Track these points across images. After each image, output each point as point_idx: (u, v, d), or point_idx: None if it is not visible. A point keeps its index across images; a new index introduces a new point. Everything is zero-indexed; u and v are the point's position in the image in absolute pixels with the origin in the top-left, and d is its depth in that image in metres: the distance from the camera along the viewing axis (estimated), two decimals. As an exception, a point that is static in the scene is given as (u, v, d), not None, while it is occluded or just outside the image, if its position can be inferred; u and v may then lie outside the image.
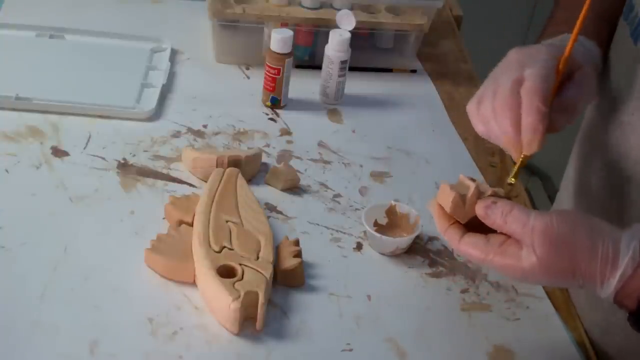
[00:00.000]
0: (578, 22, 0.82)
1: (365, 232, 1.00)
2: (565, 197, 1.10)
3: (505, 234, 0.78)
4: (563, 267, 0.74)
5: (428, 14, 1.30)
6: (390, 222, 1.00)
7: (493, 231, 0.78)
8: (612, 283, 0.74)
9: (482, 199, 0.79)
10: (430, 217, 1.02)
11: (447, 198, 0.80)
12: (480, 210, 0.79)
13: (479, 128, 0.86)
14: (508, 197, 0.81)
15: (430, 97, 1.29)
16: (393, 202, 1.00)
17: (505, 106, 0.81)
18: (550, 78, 0.82)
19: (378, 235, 0.97)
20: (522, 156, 0.83)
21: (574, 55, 0.85)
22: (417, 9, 1.30)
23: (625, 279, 0.73)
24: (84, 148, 1.08)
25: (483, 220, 0.79)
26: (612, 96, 0.97)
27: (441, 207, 0.81)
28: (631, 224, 0.77)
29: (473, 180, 0.80)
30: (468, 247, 0.79)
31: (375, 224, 0.99)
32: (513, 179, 0.84)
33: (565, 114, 0.83)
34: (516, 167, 0.84)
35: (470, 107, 0.87)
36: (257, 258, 0.90)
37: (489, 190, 0.80)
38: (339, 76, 1.21)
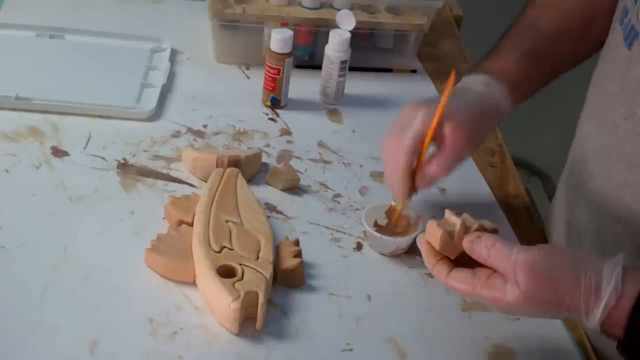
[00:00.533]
0: (444, 97, 0.89)
1: (365, 232, 1.00)
2: (562, 200, 1.10)
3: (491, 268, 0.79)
4: (547, 300, 0.76)
5: (428, 14, 1.30)
6: (390, 223, 1.00)
7: (482, 265, 0.80)
8: (597, 314, 0.74)
9: (469, 233, 0.81)
10: (431, 217, 1.02)
11: (435, 235, 0.81)
12: (466, 244, 0.80)
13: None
14: (495, 229, 0.83)
15: (430, 97, 1.29)
16: (393, 203, 0.99)
17: (389, 162, 0.93)
18: (418, 140, 0.90)
19: (378, 235, 0.97)
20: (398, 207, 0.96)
21: (457, 109, 0.92)
22: (417, 9, 1.30)
23: (610, 309, 0.74)
24: (84, 148, 1.08)
25: (470, 254, 0.80)
26: (605, 101, 0.97)
27: (429, 244, 0.83)
28: (620, 240, 0.78)
29: (459, 214, 0.83)
30: (455, 282, 0.80)
31: (375, 224, 0.99)
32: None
33: (439, 172, 0.91)
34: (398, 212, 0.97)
35: (383, 141, 0.95)
36: (257, 258, 0.90)
37: (475, 224, 0.82)
38: (339, 76, 1.21)
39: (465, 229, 0.81)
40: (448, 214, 0.83)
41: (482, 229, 0.82)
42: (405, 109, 0.93)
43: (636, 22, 0.90)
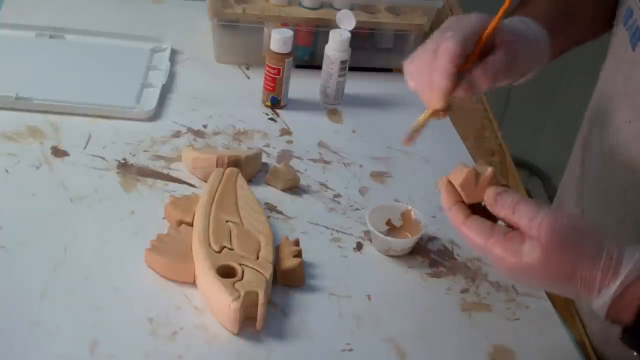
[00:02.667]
0: (500, 11, 0.83)
1: (365, 232, 1.00)
2: (565, 199, 1.10)
3: (509, 227, 0.76)
4: (563, 266, 0.74)
5: (428, 14, 1.30)
6: (394, 223, 1.00)
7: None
8: (611, 289, 0.73)
9: (494, 186, 0.78)
10: (431, 217, 1.02)
11: (459, 175, 0.78)
12: (490, 195, 0.77)
13: (409, 83, 0.88)
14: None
15: (430, 97, 1.29)
16: (409, 207, 1.00)
17: (423, 65, 0.84)
18: (468, 42, 0.82)
19: (382, 236, 0.97)
20: (429, 110, 0.86)
21: (508, 28, 0.85)
22: (417, 9, 1.30)
23: (625, 287, 0.72)
24: (84, 148, 1.08)
25: (490, 207, 0.77)
26: (609, 102, 0.97)
27: (451, 184, 0.79)
28: (633, 234, 0.77)
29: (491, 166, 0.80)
30: (470, 230, 0.77)
31: (389, 223, 0.99)
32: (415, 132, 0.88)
33: (485, 76, 0.83)
34: (421, 118, 0.87)
35: (405, 65, 0.89)
36: (257, 258, 0.90)
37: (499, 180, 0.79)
38: (339, 76, 1.21)
39: (493, 181, 0.78)
40: (481, 162, 0.80)
41: (505, 186, 0.79)
42: (447, 21, 0.86)
43: None
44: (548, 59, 0.92)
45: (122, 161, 1.07)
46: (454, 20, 0.85)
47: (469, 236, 0.77)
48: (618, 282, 0.72)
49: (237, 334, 0.85)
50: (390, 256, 0.98)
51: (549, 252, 0.73)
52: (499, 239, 0.75)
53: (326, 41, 1.20)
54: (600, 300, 0.73)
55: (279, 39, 1.16)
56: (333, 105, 1.24)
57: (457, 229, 0.78)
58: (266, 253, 0.91)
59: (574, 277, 0.73)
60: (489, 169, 0.78)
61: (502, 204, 0.76)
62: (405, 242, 0.97)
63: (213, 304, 0.87)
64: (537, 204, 0.75)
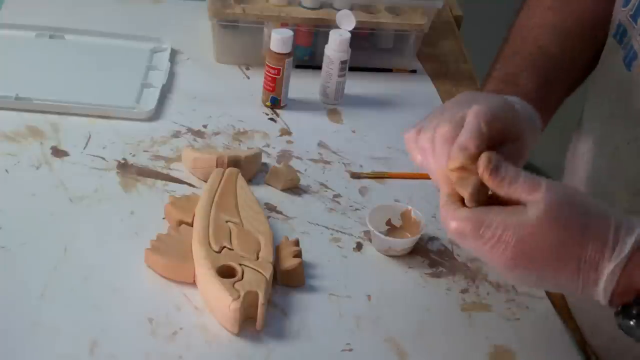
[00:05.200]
0: None
1: (365, 232, 1.00)
2: None
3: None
4: (570, 228, 0.69)
5: (428, 14, 1.30)
6: (394, 223, 1.00)
7: None
8: (624, 249, 0.68)
9: (485, 155, 0.72)
10: (431, 217, 1.02)
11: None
12: (484, 161, 0.71)
13: (417, 158, 0.80)
14: None
15: (430, 97, 1.29)
16: (409, 207, 1.00)
17: (445, 139, 0.75)
18: (501, 113, 0.75)
19: (382, 236, 0.97)
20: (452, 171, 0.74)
21: (519, 117, 0.79)
22: (417, 9, 1.30)
23: (635, 251, 0.68)
24: (84, 148, 1.08)
25: (484, 178, 0.71)
26: (604, 123, 0.95)
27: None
28: None
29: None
30: (464, 211, 0.71)
31: (389, 223, 0.99)
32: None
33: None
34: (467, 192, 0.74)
35: (409, 136, 0.81)
36: (257, 258, 0.90)
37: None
38: (339, 76, 1.21)
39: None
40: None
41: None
42: (462, 95, 0.80)
43: (636, 42, 0.88)
44: (540, 135, 0.88)
45: (122, 161, 1.07)
46: (473, 95, 0.80)
47: (461, 223, 0.71)
48: (630, 243, 0.68)
49: (237, 334, 0.85)
50: (390, 256, 0.98)
51: (555, 213, 0.69)
52: (498, 213, 0.70)
53: (326, 41, 1.20)
54: (608, 268, 0.69)
55: (279, 39, 1.16)
56: (333, 105, 1.24)
57: (447, 224, 0.73)
58: (266, 253, 0.91)
59: (583, 239, 0.69)
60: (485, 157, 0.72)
61: (505, 174, 0.71)
62: (405, 242, 0.97)
63: (213, 304, 0.87)
64: (535, 176, 0.71)
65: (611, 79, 0.94)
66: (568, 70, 0.96)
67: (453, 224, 0.72)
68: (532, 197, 0.70)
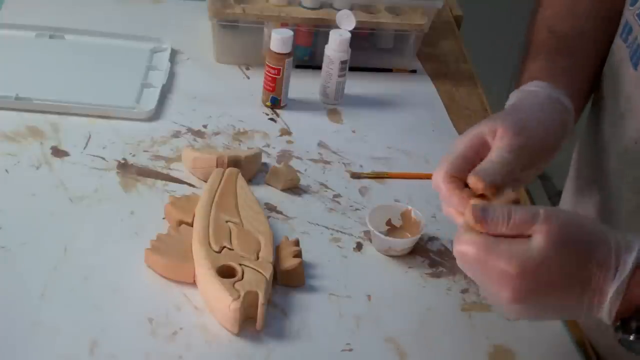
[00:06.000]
0: None
1: (365, 232, 1.00)
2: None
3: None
4: (573, 250, 0.69)
5: (428, 14, 1.30)
6: (394, 223, 1.00)
7: None
8: (629, 262, 0.68)
9: (472, 203, 0.73)
10: (431, 217, 1.02)
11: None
12: (474, 212, 0.71)
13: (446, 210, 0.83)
14: (517, 199, 0.76)
15: (430, 97, 1.29)
16: (409, 207, 1.00)
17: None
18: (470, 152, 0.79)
19: (382, 236, 0.97)
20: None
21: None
22: (417, 9, 1.30)
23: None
24: (84, 148, 1.08)
25: (480, 226, 0.71)
26: (612, 122, 0.95)
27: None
28: None
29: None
30: (468, 239, 0.71)
31: (389, 223, 0.99)
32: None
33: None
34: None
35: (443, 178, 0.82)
36: (257, 258, 0.90)
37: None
38: (339, 76, 1.21)
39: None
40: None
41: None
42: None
43: None
44: (573, 129, 0.88)
45: (122, 161, 1.07)
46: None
47: (467, 243, 0.71)
48: (633, 256, 0.68)
49: (237, 334, 0.85)
50: (390, 256, 0.98)
51: (559, 242, 0.69)
52: (502, 243, 0.70)
53: (326, 41, 1.20)
54: (619, 276, 0.69)
55: (279, 39, 1.16)
56: (333, 105, 1.24)
57: (456, 243, 0.72)
58: (266, 253, 0.91)
59: (586, 269, 0.69)
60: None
61: (493, 217, 0.70)
62: (405, 242, 0.97)
63: (213, 304, 0.87)
64: (530, 207, 0.71)
65: (618, 78, 0.94)
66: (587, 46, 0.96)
67: (457, 247, 0.72)
68: (532, 229, 0.70)
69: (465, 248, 0.71)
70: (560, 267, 0.69)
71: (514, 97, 0.89)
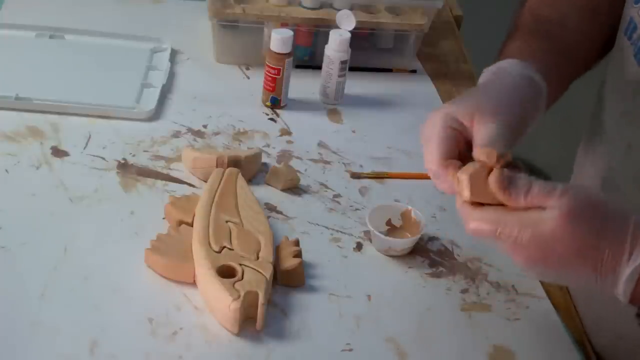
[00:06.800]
0: None
1: (365, 232, 1.00)
2: None
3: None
4: (587, 227, 0.69)
5: (428, 14, 1.30)
6: (394, 223, 1.00)
7: None
8: None
9: (495, 171, 0.73)
10: (431, 217, 1.02)
11: (470, 170, 0.74)
12: (497, 178, 0.72)
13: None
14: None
15: (430, 97, 1.29)
16: (409, 207, 1.00)
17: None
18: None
19: (382, 236, 0.97)
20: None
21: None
22: (417, 9, 1.30)
23: None
24: (84, 148, 1.08)
25: (499, 193, 0.72)
26: (617, 119, 0.95)
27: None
28: None
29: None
30: (482, 216, 0.72)
31: (389, 223, 0.99)
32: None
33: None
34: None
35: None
36: (257, 258, 0.90)
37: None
38: (339, 76, 1.21)
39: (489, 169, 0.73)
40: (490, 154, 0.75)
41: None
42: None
43: None
44: (544, 109, 0.89)
45: (122, 161, 1.07)
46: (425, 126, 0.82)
47: (479, 224, 0.72)
48: None
49: (237, 334, 0.85)
50: (390, 256, 0.98)
51: (571, 217, 0.69)
52: (515, 214, 0.71)
53: (326, 41, 1.20)
54: (629, 268, 0.69)
55: (279, 39, 1.16)
56: (333, 105, 1.24)
57: (466, 223, 0.74)
58: (266, 253, 0.91)
59: (597, 248, 0.69)
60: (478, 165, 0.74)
61: (517, 187, 0.71)
62: (405, 242, 0.97)
63: (213, 304, 0.87)
64: (550, 182, 0.72)
65: (623, 76, 0.94)
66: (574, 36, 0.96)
67: (471, 225, 0.73)
68: (549, 203, 0.70)
69: (478, 225, 0.73)
70: (571, 241, 0.69)
71: (485, 75, 0.88)
